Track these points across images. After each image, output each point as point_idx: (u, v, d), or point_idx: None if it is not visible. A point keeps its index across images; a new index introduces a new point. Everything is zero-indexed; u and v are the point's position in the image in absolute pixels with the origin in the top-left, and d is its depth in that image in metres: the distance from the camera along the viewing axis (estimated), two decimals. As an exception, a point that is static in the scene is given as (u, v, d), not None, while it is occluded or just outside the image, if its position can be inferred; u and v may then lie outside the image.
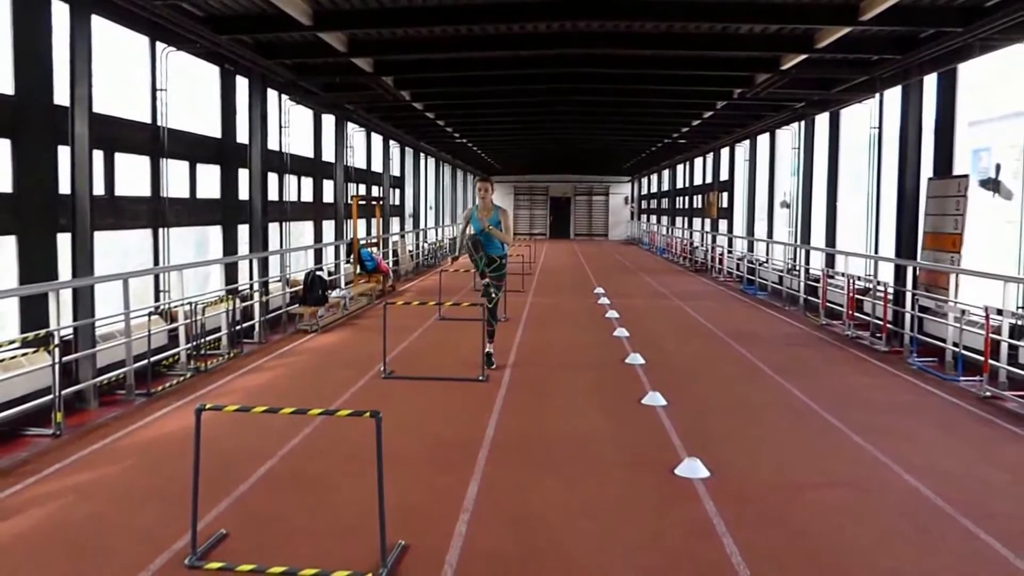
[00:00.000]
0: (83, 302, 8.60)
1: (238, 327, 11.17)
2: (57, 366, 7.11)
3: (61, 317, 8.59)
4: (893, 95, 13.81)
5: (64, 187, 8.66)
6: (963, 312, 9.68)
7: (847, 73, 14.23)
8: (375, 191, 23.74)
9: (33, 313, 8.13)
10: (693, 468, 6.00)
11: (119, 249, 10.74)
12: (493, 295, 9.82)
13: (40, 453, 6.51)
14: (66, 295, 8.74)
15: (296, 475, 5.99)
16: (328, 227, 19.17)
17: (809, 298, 15.74)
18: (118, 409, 8.00)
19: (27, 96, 8.14)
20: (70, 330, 8.46)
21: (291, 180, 16.42)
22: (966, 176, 11.17)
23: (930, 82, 12.47)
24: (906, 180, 12.83)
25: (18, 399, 7.19)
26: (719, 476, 5.96)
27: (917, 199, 12.61)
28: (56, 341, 7.28)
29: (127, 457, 6.45)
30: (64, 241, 8.67)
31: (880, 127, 14.59)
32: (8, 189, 8.09)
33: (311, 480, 5.88)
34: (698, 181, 32.14)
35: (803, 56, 12.65)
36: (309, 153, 17.97)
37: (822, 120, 17.98)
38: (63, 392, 7.20)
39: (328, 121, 19.02)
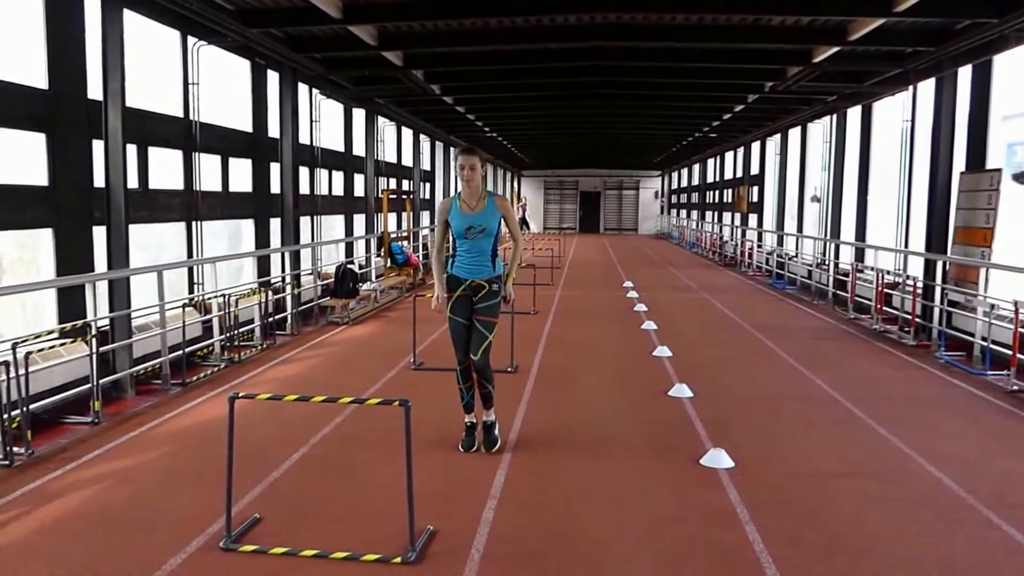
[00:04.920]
0: (119, 294, 8.77)
1: (270, 319, 11.31)
2: (95, 356, 7.26)
3: (98, 308, 8.78)
4: (926, 88, 13.67)
5: (99, 180, 8.84)
6: (992, 306, 9.59)
7: (880, 66, 14.10)
8: (405, 185, 23.88)
9: (70, 304, 8.31)
10: (718, 458, 6.04)
11: (155, 242, 10.93)
12: (481, 343, 6.12)
13: (79, 440, 6.67)
14: (102, 287, 8.93)
15: (327, 462, 6.10)
16: (359, 221, 19.34)
17: (838, 292, 15.65)
18: (154, 398, 8.17)
19: (61, 91, 8.29)
20: (107, 321, 8.65)
21: (322, 174, 16.59)
22: (999, 170, 11.06)
23: (964, 75, 12.34)
24: (938, 174, 12.70)
25: (58, 388, 7.38)
26: (743, 466, 5.99)
27: (949, 193, 12.49)
28: (93, 332, 7.43)
29: (163, 444, 6.60)
30: (100, 234, 8.85)
31: (913, 120, 14.45)
32: (44, 182, 8.27)
33: (342, 467, 5.98)
34: (728, 175, 31.99)
35: (835, 48, 12.54)
36: (340, 147, 18.13)
37: (854, 114, 17.84)
38: (101, 381, 7.36)
39: (359, 115, 19.17)
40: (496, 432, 6.38)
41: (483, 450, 6.25)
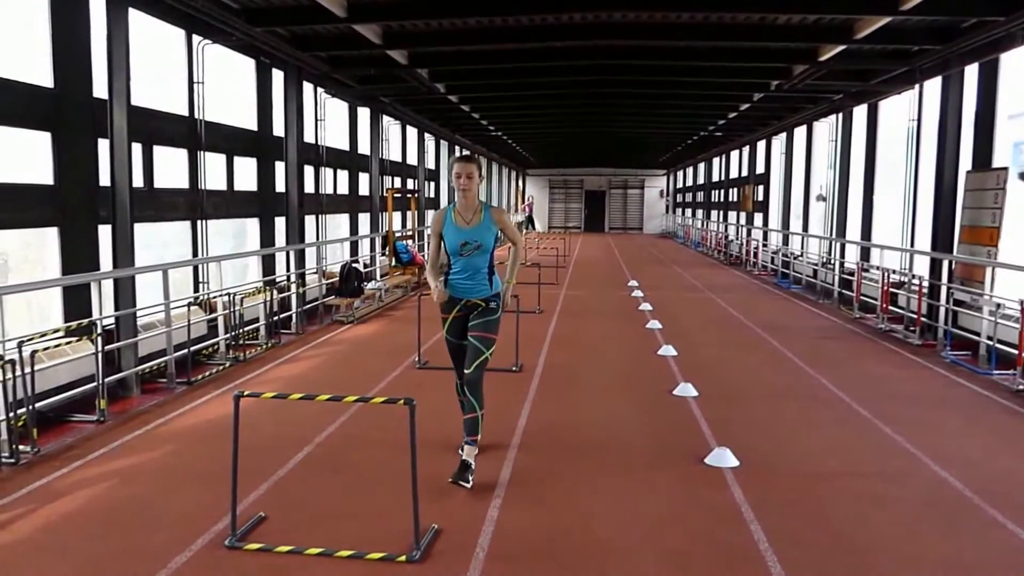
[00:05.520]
0: (124, 292, 8.78)
1: (275, 318, 11.32)
2: (100, 355, 7.27)
3: (103, 307, 8.79)
4: (933, 86, 13.64)
5: (104, 179, 8.85)
6: (998, 306, 9.57)
7: (886, 64, 14.07)
8: (410, 184, 23.88)
9: (76, 303, 8.32)
10: (723, 457, 6.03)
11: (160, 240, 10.95)
12: (476, 358, 5.68)
13: (85, 438, 6.69)
14: (107, 285, 8.94)
15: (332, 460, 6.10)
16: (364, 219, 19.34)
17: (843, 291, 15.62)
18: (159, 397, 8.18)
19: (67, 89, 8.29)
20: (112, 320, 8.66)
21: (327, 173, 16.59)
22: (1005, 169, 11.03)
23: (971, 73, 12.30)
24: (944, 173, 12.67)
25: (63, 386, 7.40)
26: (748, 465, 5.98)
27: (955, 192, 12.46)
28: (99, 330, 7.45)
29: (168, 443, 6.61)
30: (105, 232, 8.86)
31: (919, 119, 14.41)
32: (50, 181, 8.27)
33: (347, 465, 5.99)
34: (734, 174, 31.96)
35: (842, 47, 12.52)
36: (345, 146, 18.14)
37: (860, 112, 17.79)
38: (106, 380, 7.37)
39: (363, 114, 19.16)
40: (470, 474, 5.55)
41: (450, 478, 5.54)
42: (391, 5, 10.99)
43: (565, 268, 22.52)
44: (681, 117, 23.88)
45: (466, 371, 5.69)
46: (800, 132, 22.51)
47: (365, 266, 16.79)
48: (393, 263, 17.10)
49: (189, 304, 10.24)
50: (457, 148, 30.59)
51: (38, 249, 8.58)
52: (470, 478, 5.53)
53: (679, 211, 47.07)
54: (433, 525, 4.78)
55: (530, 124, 27.02)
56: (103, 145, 8.80)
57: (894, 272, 13.24)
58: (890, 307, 12.81)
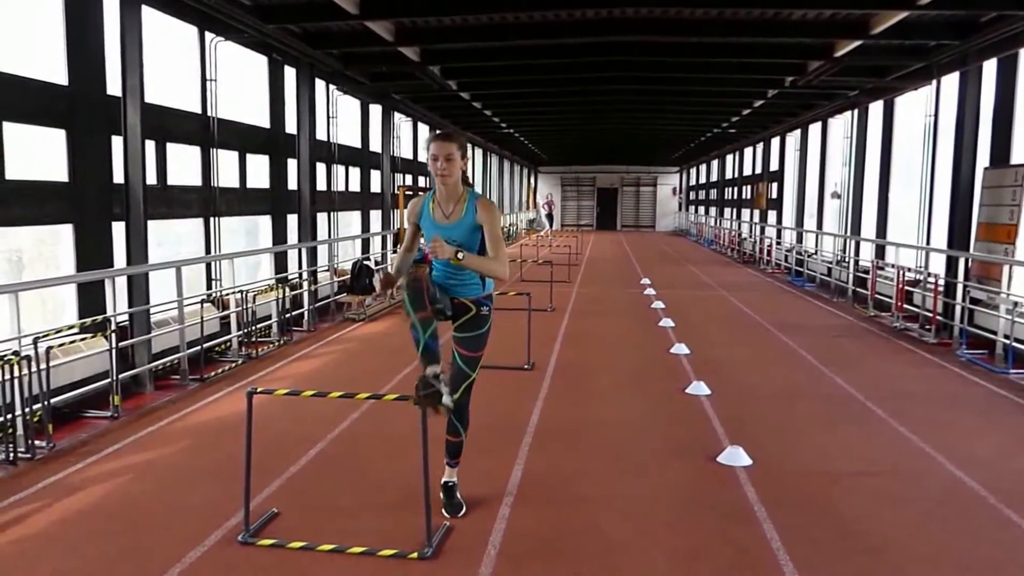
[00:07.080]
0: (138, 289, 8.81)
1: (288, 315, 11.34)
2: (114, 351, 7.31)
3: (117, 304, 8.83)
4: (950, 82, 13.53)
5: (118, 176, 8.88)
6: (1015, 304, 9.49)
7: (903, 60, 13.97)
8: (421, 181, 23.89)
9: (90, 300, 8.34)
10: (735, 456, 6.00)
11: (173, 237, 10.98)
12: (463, 381, 4.94)
13: (99, 434, 6.72)
14: (121, 282, 8.97)
15: (344, 457, 6.11)
16: (375, 217, 19.35)
17: (858, 290, 15.53)
18: (172, 393, 8.21)
19: (81, 87, 8.30)
20: (126, 316, 8.69)
21: (339, 170, 16.60)
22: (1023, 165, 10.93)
23: (989, 69, 12.19)
24: (961, 169, 12.57)
25: (78, 382, 7.43)
26: (761, 463, 5.94)
27: (972, 189, 12.36)
28: (112, 327, 7.48)
29: (181, 439, 6.63)
30: (119, 229, 8.88)
31: (936, 115, 14.30)
32: (64, 178, 8.31)
33: (359, 462, 6.00)
34: (747, 171, 31.82)
35: (858, 42, 12.44)
36: (356, 143, 18.13)
37: (876, 108, 17.67)
38: (120, 376, 7.40)
39: (375, 111, 19.16)
40: (459, 495, 5.01)
41: (445, 513, 4.92)
42: (403, 1, 10.98)
43: (577, 266, 22.51)
44: (694, 114, 23.79)
45: (454, 397, 4.75)
46: (815, 129, 22.40)
47: (376, 263, 16.81)
48: (405, 260, 17.07)
49: (202, 301, 10.26)
50: (469, 145, 30.49)
51: (52, 246, 8.62)
52: (461, 502, 5.01)
53: (692, 209, 46.93)
54: (444, 523, 4.79)
55: (542, 121, 26.97)
56: (117, 142, 8.82)
57: (909, 270, 13.15)
58: (905, 305, 12.73)
